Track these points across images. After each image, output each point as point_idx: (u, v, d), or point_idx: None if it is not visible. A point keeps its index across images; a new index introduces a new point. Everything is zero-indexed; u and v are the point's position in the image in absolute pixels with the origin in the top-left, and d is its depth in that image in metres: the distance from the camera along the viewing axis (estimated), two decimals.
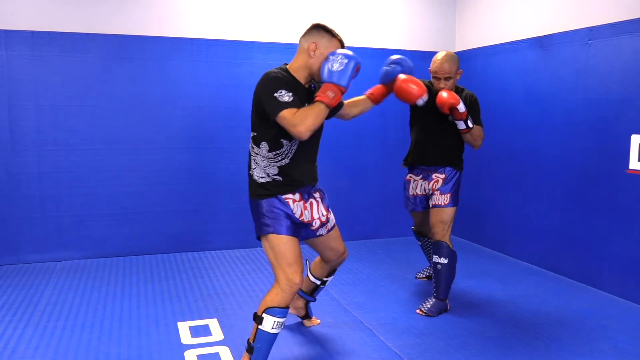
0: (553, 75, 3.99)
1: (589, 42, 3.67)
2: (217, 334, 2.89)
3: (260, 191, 2.36)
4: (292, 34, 4.67)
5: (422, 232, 3.64)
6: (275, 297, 2.32)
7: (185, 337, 2.85)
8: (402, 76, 2.74)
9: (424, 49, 5.08)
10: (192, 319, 3.11)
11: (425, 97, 2.74)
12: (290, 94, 2.21)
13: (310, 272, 2.89)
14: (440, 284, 3.20)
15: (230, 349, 2.70)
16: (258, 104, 2.28)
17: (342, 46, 2.38)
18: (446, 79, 3.11)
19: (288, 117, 2.16)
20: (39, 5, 4.07)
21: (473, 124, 3.09)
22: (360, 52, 4.90)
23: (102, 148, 4.29)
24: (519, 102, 4.35)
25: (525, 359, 2.65)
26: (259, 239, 2.44)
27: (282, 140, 2.30)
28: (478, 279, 3.89)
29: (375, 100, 2.80)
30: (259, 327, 2.29)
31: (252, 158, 2.38)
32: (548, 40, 4.03)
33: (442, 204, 3.22)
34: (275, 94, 2.19)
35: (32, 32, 4.06)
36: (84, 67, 4.19)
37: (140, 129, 4.37)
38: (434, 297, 3.24)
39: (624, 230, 3.46)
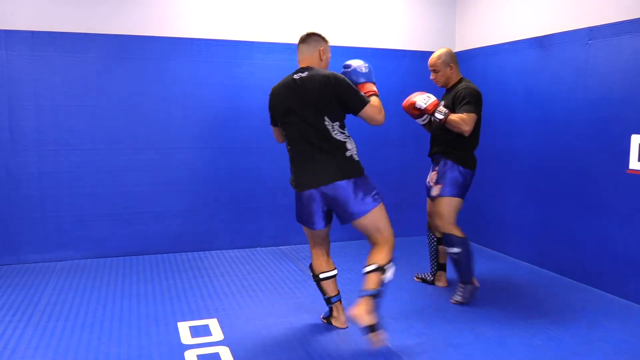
0: (553, 75, 3.99)
1: (589, 42, 3.67)
2: (217, 334, 2.89)
3: (361, 167, 2.72)
4: (292, 34, 4.67)
5: (431, 226, 3.73)
6: (389, 251, 2.73)
7: (185, 337, 2.85)
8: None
9: (424, 49, 5.08)
10: (192, 319, 3.11)
11: (419, 102, 3.26)
12: None
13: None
14: (461, 270, 3.33)
15: (230, 349, 2.70)
16: (338, 100, 2.64)
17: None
18: (434, 70, 3.43)
19: (374, 108, 2.67)
20: (39, 5, 4.07)
21: (445, 115, 3.19)
22: (361, 52, 4.93)
23: (102, 148, 4.29)
24: (519, 102, 4.35)
25: (524, 358, 2.65)
26: (355, 218, 2.70)
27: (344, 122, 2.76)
28: (478, 278, 3.88)
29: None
30: (383, 277, 2.64)
31: (348, 140, 2.69)
32: (548, 40, 4.03)
33: (435, 194, 3.40)
34: (357, 91, 2.67)
35: (32, 32, 4.06)
36: (84, 67, 4.19)
37: (140, 129, 4.37)
38: (461, 283, 3.34)
39: (624, 230, 3.46)
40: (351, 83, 2.68)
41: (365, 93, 2.75)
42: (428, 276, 3.79)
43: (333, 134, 2.66)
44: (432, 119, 3.35)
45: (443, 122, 3.23)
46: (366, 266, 2.69)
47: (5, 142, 4.07)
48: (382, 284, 2.65)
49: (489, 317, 3.16)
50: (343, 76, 2.69)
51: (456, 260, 3.29)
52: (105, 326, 2.99)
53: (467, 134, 3.23)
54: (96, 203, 4.31)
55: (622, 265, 3.48)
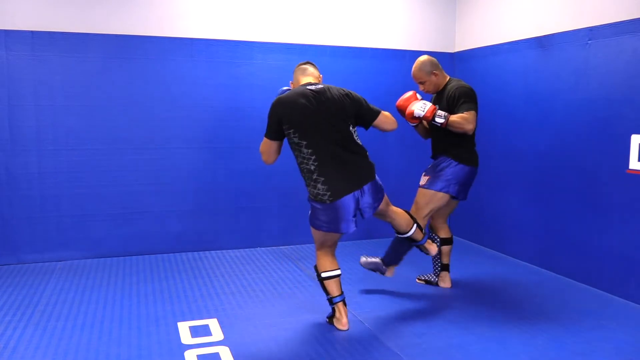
0: (553, 75, 3.99)
1: (589, 42, 3.67)
2: (217, 334, 2.89)
3: None
4: (292, 34, 4.68)
5: (433, 227, 3.70)
6: (411, 216, 3.18)
7: (185, 337, 2.85)
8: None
9: (424, 49, 5.08)
10: (192, 319, 3.11)
11: (418, 109, 3.25)
12: None
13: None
14: (390, 250, 3.45)
15: (230, 349, 2.70)
16: (356, 109, 2.89)
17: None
18: (421, 82, 3.44)
19: (387, 115, 3.01)
20: (39, 5, 4.07)
21: (446, 118, 3.19)
22: (361, 52, 4.93)
23: (102, 148, 4.29)
24: (519, 102, 4.35)
25: (525, 358, 2.65)
26: (376, 208, 2.94)
27: None
28: (478, 279, 3.89)
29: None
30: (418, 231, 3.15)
31: (362, 148, 2.93)
32: (548, 40, 4.03)
33: (420, 184, 3.45)
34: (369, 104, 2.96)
35: (32, 32, 4.06)
36: (84, 67, 4.19)
37: (140, 129, 4.37)
38: (381, 258, 3.51)
39: (624, 230, 3.46)
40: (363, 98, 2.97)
41: None
42: (432, 277, 3.78)
43: (357, 139, 2.91)
44: (427, 122, 3.35)
45: (444, 126, 3.21)
46: (404, 233, 3.14)
47: (5, 142, 4.07)
48: (425, 232, 3.26)
49: (489, 317, 3.16)
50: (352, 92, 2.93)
51: (394, 241, 3.39)
52: (105, 326, 2.99)
53: (470, 132, 3.26)
54: (96, 203, 4.31)
55: (622, 265, 3.48)
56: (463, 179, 3.40)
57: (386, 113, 2.98)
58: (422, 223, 3.37)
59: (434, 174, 3.41)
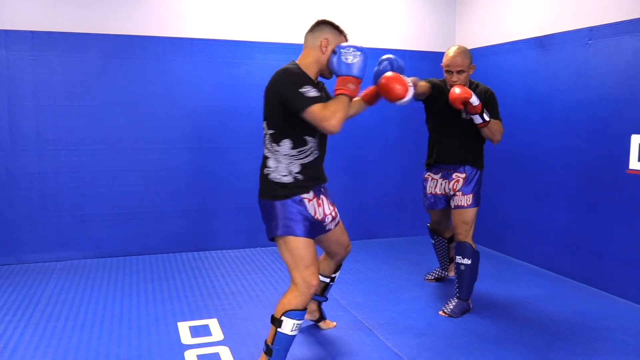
0: (553, 75, 3.99)
1: (589, 42, 3.67)
2: (217, 334, 2.89)
3: (279, 191, 2.30)
4: (292, 34, 4.67)
5: (437, 230, 3.67)
6: (293, 299, 2.29)
7: (185, 337, 2.85)
8: (388, 74, 2.64)
9: (424, 49, 5.08)
10: (192, 319, 3.11)
11: (407, 98, 2.59)
12: (315, 89, 2.22)
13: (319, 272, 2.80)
14: (463, 284, 3.20)
15: (230, 349, 2.70)
16: (278, 101, 2.24)
17: (347, 41, 2.45)
18: (459, 72, 3.07)
19: (318, 112, 2.16)
20: (39, 5, 4.07)
21: (490, 118, 3.03)
22: None
23: (102, 148, 4.29)
24: (519, 102, 4.35)
25: (525, 359, 2.65)
26: (272, 240, 2.39)
27: (306, 137, 2.30)
28: (478, 279, 3.88)
29: (369, 101, 2.80)
30: (278, 329, 2.28)
31: (271, 157, 2.31)
32: (548, 40, 4.03)
33: (465, 204, 3.20)
34: (301, 90, 2.18)
35: (32, 32, 4.06)
36: (83, 67, 4.19)
37: (140, 129, 4.37)
38: (457, 298, 3.23)
39: (624, 230, 3.46)
40: (296, 79, 2.23)
41: (335, 89, 2.27)
42: (441, 273, 3.82)
43: (264, 144, 2.35)
44: (466, 116, 3.11)
45: (483, 126, 3.02)
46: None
47: (5, 142, 4.07)
48: (275, 339, 2.28)
49: (489, 318, 3.16)
50: (288, 70, 2.28)
51: (462, 272, 3.19)
52: (105, 326, 2.99)
53: (496, 143, 3.17)
54: (96, 203, 4.31)
55: (622, 265, 3.48)
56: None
57: (327, 107, 2.18)
58: (472, 242, 3.18)
59: (475, 191, 3.22)
